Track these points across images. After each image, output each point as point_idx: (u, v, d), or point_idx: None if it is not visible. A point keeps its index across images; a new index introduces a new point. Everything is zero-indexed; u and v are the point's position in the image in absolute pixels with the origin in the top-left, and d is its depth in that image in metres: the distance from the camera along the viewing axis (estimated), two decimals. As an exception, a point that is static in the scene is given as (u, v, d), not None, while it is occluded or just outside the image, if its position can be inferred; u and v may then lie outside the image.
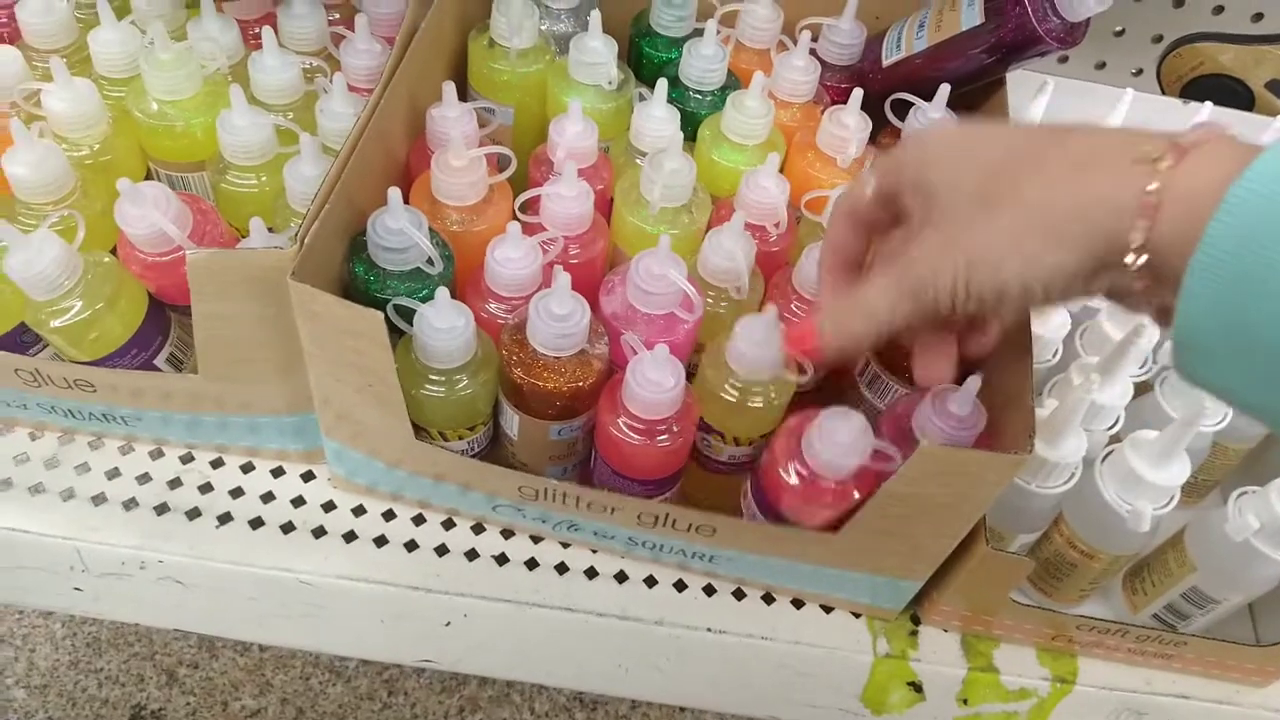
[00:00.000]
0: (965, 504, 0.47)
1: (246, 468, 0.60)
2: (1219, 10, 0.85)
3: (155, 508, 0.57)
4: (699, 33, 0.62)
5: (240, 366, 0.52)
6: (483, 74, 0.62)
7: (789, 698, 0.60)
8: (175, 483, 0.58)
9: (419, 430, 0.52)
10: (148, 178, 0.60)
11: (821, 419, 0.47)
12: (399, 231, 0.49)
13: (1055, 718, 0.58)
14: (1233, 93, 0.77)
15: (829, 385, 0.58)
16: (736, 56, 0.66)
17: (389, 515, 0.59)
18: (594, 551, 0.59)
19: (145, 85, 0.56)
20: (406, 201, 0.50)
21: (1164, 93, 0.82)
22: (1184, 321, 0.31)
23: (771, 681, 0.59)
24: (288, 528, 0.57)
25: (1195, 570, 0.54)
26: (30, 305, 0.49)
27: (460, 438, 0.53)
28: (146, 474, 0.59)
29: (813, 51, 0.63)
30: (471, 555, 0.58)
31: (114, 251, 0.53)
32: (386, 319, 0.45)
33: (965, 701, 0.58)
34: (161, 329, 0.54)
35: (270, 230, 0.51)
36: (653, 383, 0.47)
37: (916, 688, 0.57)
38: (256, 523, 0.57)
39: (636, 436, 0.49)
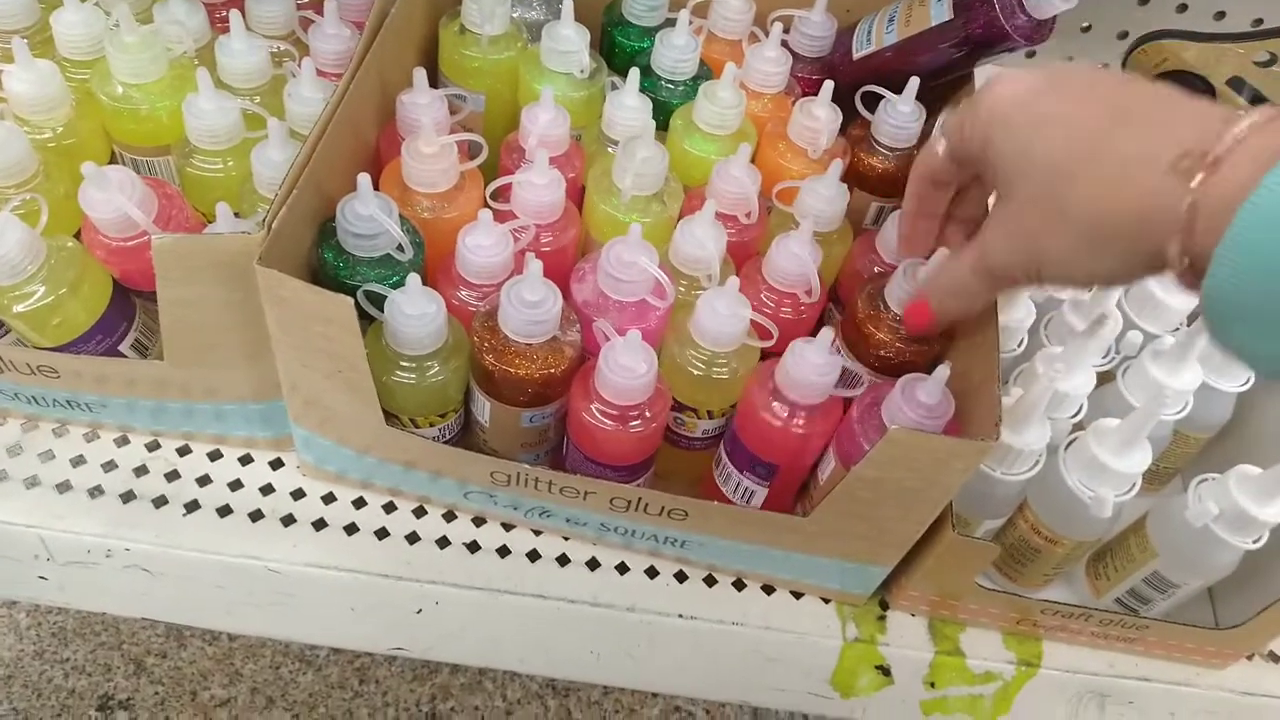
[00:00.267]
0: (932, 489, 0.48)
1: (214, 455, 0.59)
2: (1183, 8, 0.86)
3: (121, 495, 0.57)
4: (671, 22, 0.62)
5: (206, 353, 0.52)
6: (454, 60, 0.62)
7: (759, 682, 0.61)
8: (141, 470, 0.58)
9: (389, 417, 0.51)
10: (112, 161, 0.59)
11: (793, 344, 0.49)
12: (368, 218, 0.48)
13: (1020, 700, 0.59)
14: (1196, 90, 0.79)
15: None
16: (708, 47, 0.66)
17: (359, 503, 0.58)
18: (566, 539, 0.59)
19: (110, 68, 0.55)
20: (377, 188, 0.50)
21: (1130, 87, 0.83)
22: (1210, 305, 0.34)
23: (742, 666, 0.60)
24: (256, 515, 0.57)
25: (1156, 556, 0.55)
26: (-8, 290, 0.49)
27: (432, 424, 0.53)
28: (112, 461, 0.58)
29: (784, 43, 0.63)
30: (443, 543, 0.58)
31: (78, 236, 0.52)
32: (356, 305, 0.45)
33: (932, 684, 0.59)
34: (126, 315, 0.54)
35: (237, 216, 0.50)
36: (625, 368, 0.48)
37: (885, 671, 0.58)
38: (224, 510, 0.57)
39: (609, 423, 0.50)
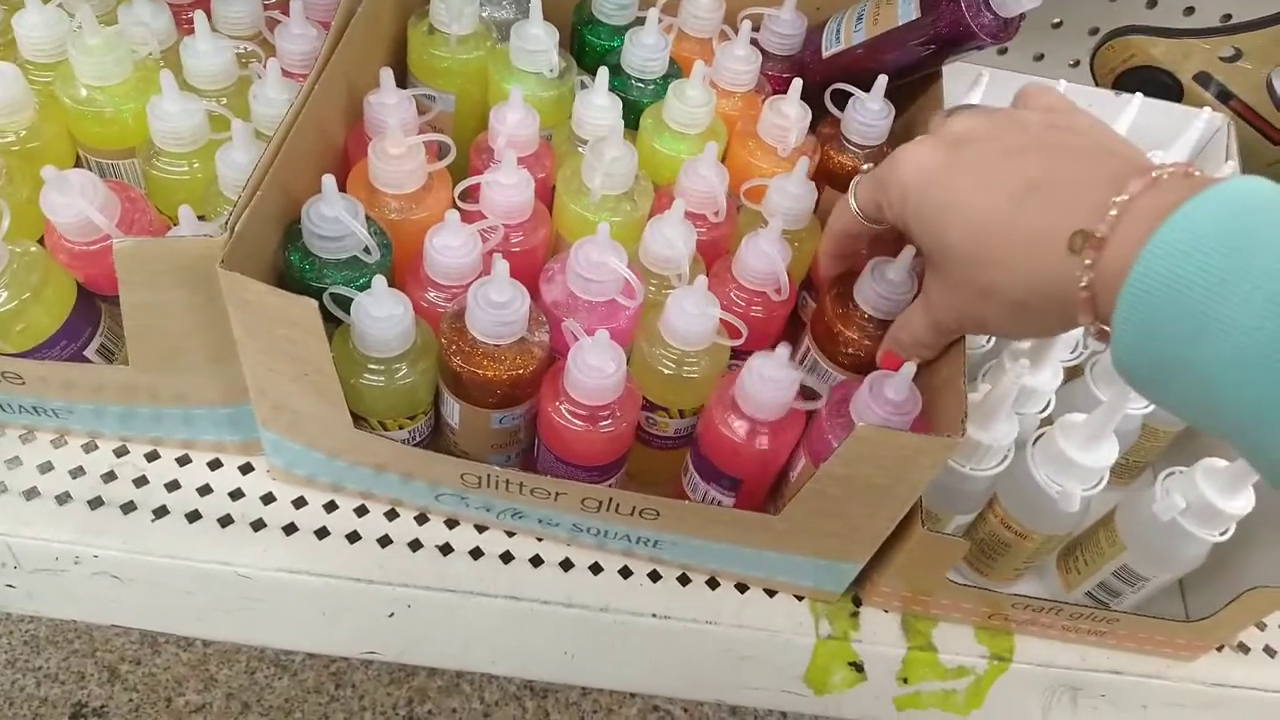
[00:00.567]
0: (901, 486, 0.48)
1: (183, 460, 0.59)
2: (1152, 4, 0.87)
3: (89, 502, 0.56)
4: (641, 21, 0.62)
5: (172, 357, 0.51)
6: (422, 60, 0.62)
7: (734, 681, 0.61)
8: (109, 476, 0.57)
9: (358, 420, 0.51)
10: (76, 164, 0.59)
11: (750, 361, 0.49)
12: (334, 219, 0.48)
13: (993, 694, 0.60)
14: (1163, 85, 0.79)
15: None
16: (678, 45, 0.66)
17: (330, 506, 0.58)
18: (539, 540, 0.59)
19: (74, 70, 0.55)
20: (343, 189, 0.49)
21: (1097, 84, 0.83)
22: (1119, 370, 0.36)
23: (716, 665, 0.60)
24: (225, 520, 0.57)
25: (1125, 549, 0.56)
26: (-48, 295, 0.48)
27: (401, 427, 0.53)
28: (80, 467, 0.57)
29: (754, 41, 0.63)
30: (415, 545, 0.57)
31: (41, 241, 0.51)
32: (323, 308, 0.44)
33: (905, 680, 0.59)
34: (91, 320, 0.53)
35: (201, 218, 0.50)
36: (594, 368, 0.48)
37: (858, 668, 0.58)
38: (193, 516, 0.57)
39: (579, 423, 0.49)
